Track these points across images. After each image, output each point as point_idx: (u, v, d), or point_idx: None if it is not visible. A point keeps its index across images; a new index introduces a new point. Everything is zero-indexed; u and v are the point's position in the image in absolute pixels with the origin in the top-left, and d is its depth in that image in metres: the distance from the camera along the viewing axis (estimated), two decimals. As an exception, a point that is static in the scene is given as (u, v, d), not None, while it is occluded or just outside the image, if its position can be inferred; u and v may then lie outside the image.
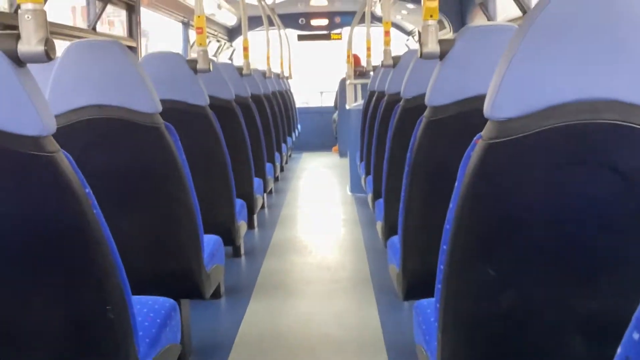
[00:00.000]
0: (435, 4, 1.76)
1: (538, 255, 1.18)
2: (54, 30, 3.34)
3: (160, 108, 1.90)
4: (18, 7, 1.14)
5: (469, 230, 1.19)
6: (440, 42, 1.72)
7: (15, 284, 1.23)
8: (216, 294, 2.89)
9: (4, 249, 1.19)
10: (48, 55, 1.12)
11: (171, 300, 1.71)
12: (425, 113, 1.81)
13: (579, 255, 1.17)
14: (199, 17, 2.79)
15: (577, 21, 1.06)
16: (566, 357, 1.23)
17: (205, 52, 2.73)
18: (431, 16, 1.75)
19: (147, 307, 1.62)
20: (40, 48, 1.11)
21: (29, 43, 1.11)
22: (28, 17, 1.12)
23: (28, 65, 1.15)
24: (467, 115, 1.68)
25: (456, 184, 1.20)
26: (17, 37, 1.11)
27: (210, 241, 2.37)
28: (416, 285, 1.99)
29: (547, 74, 1.07)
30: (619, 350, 0.58)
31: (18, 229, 1.18)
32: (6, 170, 1.15)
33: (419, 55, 1.78)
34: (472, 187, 1.15)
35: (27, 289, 1.24)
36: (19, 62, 1.12)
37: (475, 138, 1.16)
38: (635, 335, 0.56)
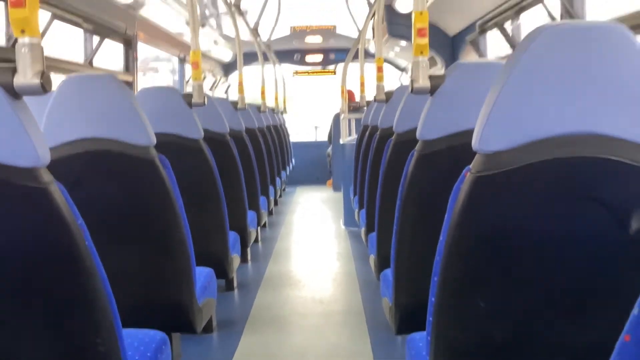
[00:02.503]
0: (426, 41, 1.80)
1: (528, 287, 1.19)
2: (51, 64, 3.37)
3: (154, 141, 1.92)
4: (15, 40, 1.16)
5: (459, 262, 1.20)
6: (431, 77, 1.76)
7: (5, 313, 1.22)
8: (208, 328, 2.87)
9: None
10: (44, 88, 1.14)
11: (162, 334, 1.70)
12: (417, 147, 1.83)
13: (569, 287, 1.18)
14: (194, 52, 2.83)
15: (561, 58, 1.09)
16: None
17: (201, 86, 2.76)
18: (421, 52, 1.79)
19: (137, 341, 1.61)
20: (36, 81, 1.13)
21: (25, 76, 1.13)
22: (25, 51, 1.14)
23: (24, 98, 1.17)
24: (457, 149, 1.71)
25: (446, 216, 1.22)
26: (14, 70, 1.13)
27: (202, 274, 2.36)
28: (409, 318, 1.99)
29: (532, 108, 1.10)
30: None
31: (9, 258, 1.19)
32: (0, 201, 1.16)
33: (410, 91, 1.81)
34: (461, 219, 1.16)
35: (18, 319, 1.23)
36: (15, 94, 1.14)
37: (464, 171, 1.18)
38: None
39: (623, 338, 0.58)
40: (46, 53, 1.19)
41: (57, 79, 1.89)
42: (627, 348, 0.58)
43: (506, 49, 4.44)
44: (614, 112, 1.08)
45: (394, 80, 9.56)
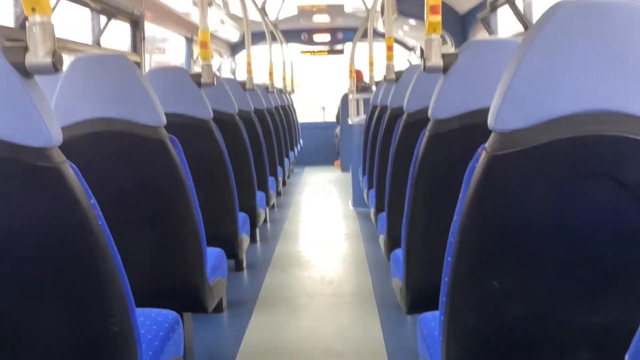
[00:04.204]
0: (439, 18, 1.77)
1: (543, 268, 1.18)
2: (59, 45, 3.35)
3: (164, 121, 1.91)
4: (25, 19, 1.15)
5: (474, 242, 1.19)
6: (444, 56, 1.73)
7: (20, 293, 1.23)
8: (219, 308, 2.89)
9: (9, 259, 1.19)
10: (55, 67, 1.13)
11: (174, 313, 1.70)
12: (428, 126, 1.82)
13: (584, 268, 1.17)
14: (203, 31, 2.81)
15: (580, 35, 1.07)
16: None
17: (210, 66, 2.74)
18: (434, 30, 1.76)
19: (150, 320, 1.62)
20: (48, 60, 1.12)
21: (37, 55, 1.12)
22: (36, 29, 1.13)
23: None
24: (470, 128, 1.69)
25: (460, 195, 1.21)
26: (25, 49, 1.12)
27: (213, 254, 2.37)
28: (420, 298, 1.99)
29: (550, 86, 1.08)
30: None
31: (23, 239, 1.19)
32: (12, 181, 1.16)
33: (422, 69, 1.79)
34: (476, 199, 1.15)
35: (32, 299, 1.24)
36: (26, 73, 1.13)
37: (479, 149, 1.16)
38: None
39: None
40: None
41: (65, 60, 1.88)
42: None
43: (517, 27, 4.38)
44: (634, 89, 1.06)
45: (402, 59, 9.48)
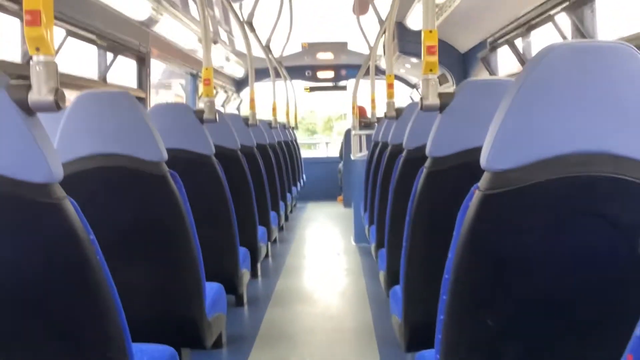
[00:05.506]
0: (435, 58, 1.81)
1: (537, 306, 1.18)
2: (65, 81, 3.41)
3: (165, 157, 1.94)
4: (30, 58, 1.18)
5: (468, 280, 1.20)
6: (440, 95, 1.77)
7: (17, 327, 1.23)
8: (218, 343, 2.86)
9: (7, 291, 1.20)
10: (58, 105, 1.16)
11: (171, 349, 1.70)
12: (426, 164, 1.84)
13: (578, 305, 1.17)
14: (206, 69, 2.86)
15: (571, 76, 1.09)
16: None
17: (212, 102, 2.79)
18: (431, 70, 1.80)
19: (147, 355, 1.62)
20: (51, 98, 1.15)
21: (40, 93, 1.15)
22: (39, 68, 1.16)
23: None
24: (467, 167, 1.70)
25: (454, 233, 1.22)
26: (28, 86, 1.15)
27: (212, 289, 2.36)
28: (418, 335, 1.98)
29: (541, 126, 1.10)
30: None
31: (22, 272, 1.20)
32: (13, 216, 1.17)
33: (419, 108, 1.82)
34: (469, 237, 1.16)
35: (29, 333, 1.24)
36: (29, 111, 1.16)
37: (472, 188, 1.18)
38: None
39: (626, 358, 0.59)
40: (60, 69, 1.21)
41: (70, 96, 1.91)
42: None
43: (518, 67, 4.44)
44: (623, 131, 1.08)
45: (405, 96, 9.57)
